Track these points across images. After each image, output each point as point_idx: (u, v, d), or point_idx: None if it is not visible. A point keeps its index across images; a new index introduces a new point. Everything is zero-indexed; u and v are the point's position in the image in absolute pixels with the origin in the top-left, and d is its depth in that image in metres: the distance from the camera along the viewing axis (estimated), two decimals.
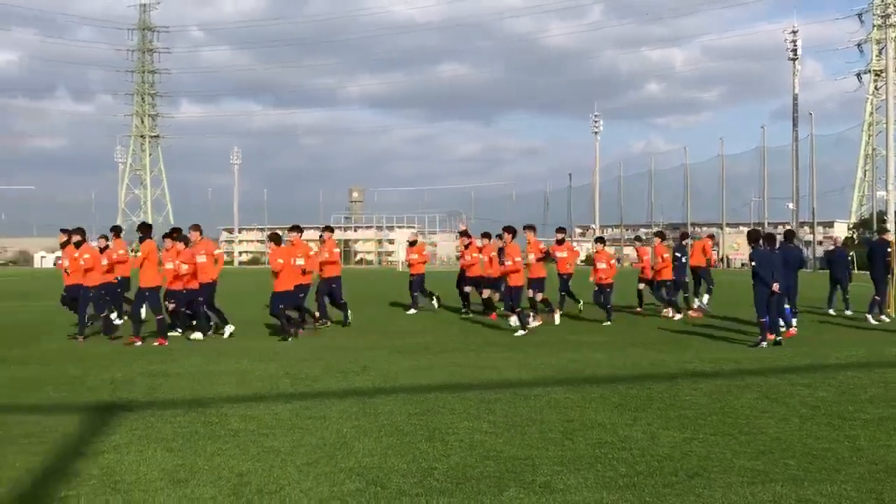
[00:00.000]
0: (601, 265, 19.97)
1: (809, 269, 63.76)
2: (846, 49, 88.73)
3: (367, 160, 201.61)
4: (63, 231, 18.65)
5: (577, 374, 12.01)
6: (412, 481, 6.56)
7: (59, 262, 18.86)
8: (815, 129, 71.96)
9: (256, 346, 15.59)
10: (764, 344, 14.68)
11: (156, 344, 15.59)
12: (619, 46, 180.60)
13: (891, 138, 57.46)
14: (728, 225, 79.36)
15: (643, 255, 22.46)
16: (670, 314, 20.52)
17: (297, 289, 17.15)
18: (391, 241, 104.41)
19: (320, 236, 20.51)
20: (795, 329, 17.27)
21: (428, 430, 8.27)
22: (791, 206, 72.37)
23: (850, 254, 25.66)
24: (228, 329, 16.89)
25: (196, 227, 17.53)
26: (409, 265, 22.96)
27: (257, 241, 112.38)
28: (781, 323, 15.79)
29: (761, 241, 15.36)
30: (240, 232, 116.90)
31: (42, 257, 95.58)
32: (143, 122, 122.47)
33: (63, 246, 18.54)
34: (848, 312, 21.10)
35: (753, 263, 15.09)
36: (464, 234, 22.86)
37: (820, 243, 75.92)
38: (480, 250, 21.41)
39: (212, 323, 17.23)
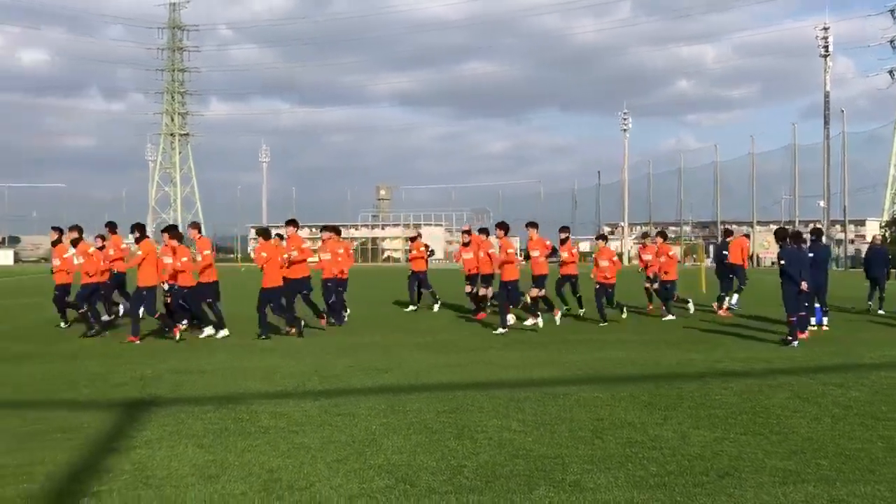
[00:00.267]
0: (604, 263, 19.17)
1: (841, 267, 63.23)
2: (878, 46, 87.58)
3: (394, 158, 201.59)
4: (54, 229, 19.11)
5: (606, 373, 11.97)
6: (441, 479, 6.56)
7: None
8: (847, 126, 71.61)
9: (284, 343, 15.66)
10: (795, 343, 14.57)
11: (126, 342, 15.50)
12: (648, 43, 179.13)
13: None
14: (758, 223, 78.88)
15: (647, 254, 21.55)
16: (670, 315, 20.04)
17: (294, 283, 17.18)
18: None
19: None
20: (827, 327, 17.19)
21: (457, 428, 8.26)
22: (822, 204, 71.76)
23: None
24: (208, 331, 16.43)
25: (195, 226, 17.52)
26: (410, 261, 22.83)
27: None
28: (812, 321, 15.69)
29: (789, 240, 15.26)
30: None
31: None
32: (172, 120, 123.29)
33: (54, 244, 18.82)
34: (881, 312, 20.90)
35: (782, 262, 14.98)
36: (466, 233, 22.32)
37: (851, 241, 75.29)
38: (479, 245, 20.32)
39: (193, 322, 17.00)
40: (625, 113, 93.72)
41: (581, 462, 7.02)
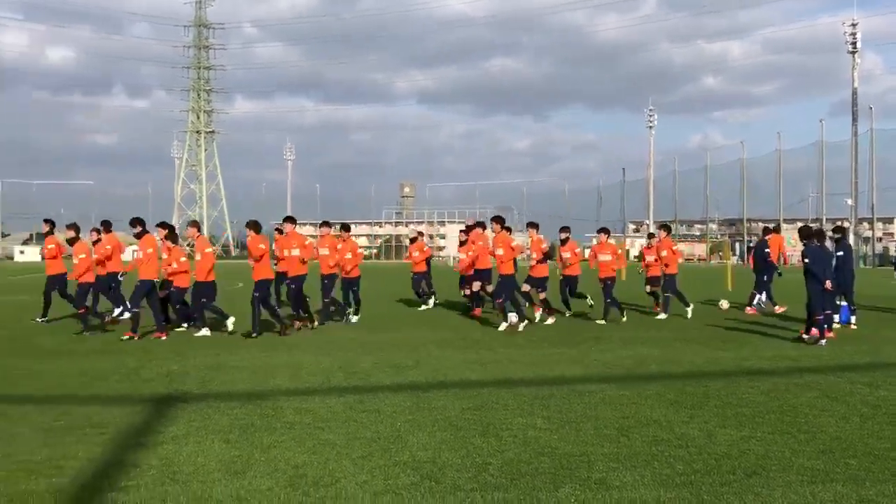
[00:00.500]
0: (605, 257, 18.75)
1: (869, 265, 62.62)
2: None
3: (418, 155, 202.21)
4: (45, 221, 19.58)
5: (632, 371, 11.92)
6: (466, 476, 6.56)
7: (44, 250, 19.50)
8: (875, 123, 70.83)
9: (308, 340, 15.72)
10: (823, 342, 14.46)
11: (125, 337, 15.51)
12: (674, 39, 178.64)
13: None
14: (785, 221, 78.19)
15: (650, 255, 20.72)
16: (659, 311, 19.85)
17: (292, 279, 17.22)
18: (442, 237, 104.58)
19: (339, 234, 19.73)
20: (855, 326, 17.07)
21: (482, 426, 8.26)
22: (850, 201, 71.14)
23: None
24: (204, 331, 16.27)
25: (194, 224, 17.44)
26: (412, 262, 22.69)
27: (310, 235, 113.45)
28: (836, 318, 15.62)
29: (814, 238, 15.15)
30: None
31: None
32: (198, 117, 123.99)
33: (45, 236, 19.26)
34: None
35: (806, 260, 14.88)
36: (464, 231, 21.78)
37: (879, 240, 74.57)
38: (473, 243, 19.84)
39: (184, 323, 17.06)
40: (650, 110, 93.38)
41: (606, 460, 7.00)
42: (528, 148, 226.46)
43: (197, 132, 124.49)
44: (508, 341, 15.34)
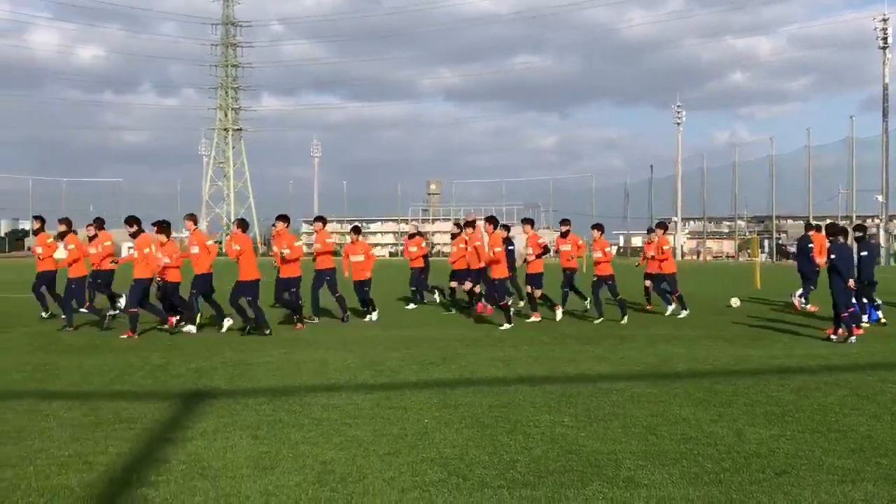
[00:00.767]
0: (597, 254, 18.43)
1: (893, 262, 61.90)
2: None
3: (444, 152, 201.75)
4: (35, 217, 19.81)
5: (659, 369, 11.86)
6: (493, 473, 6.56)
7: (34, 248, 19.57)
8: None
9: (334, 336, 15.76)
10: (853, 339, 14.34)
11: (123, 336, 15.42)
12: (701, 35, 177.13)
13: None
14: (814, 218, 77.42)
15: (650, 251, 20.36)
16: (673, 310, 19.40)
17: (289, 281, 17.10)
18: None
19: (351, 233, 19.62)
20: (885, 321, 17.03)
21: (509, 423, 8.25)
22: (880, 198, 70.27)
23: None
24: (227, 323, 16.31)
25: (191, 217, 17.37)
26: (409, 258, 22.57)
27: (337, 232, 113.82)
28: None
29: (839, 236, 15.08)
30: None
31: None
32: (226, 115, 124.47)
33: (36, 233, 19.36)
34: None
35: (833, 256, 14.77)
36: (469, 224, 21.72)
37: None
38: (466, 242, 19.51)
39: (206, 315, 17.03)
40: (678, 106, 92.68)
41: (635, 458, 6.97)
42: (554, 145, 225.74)
43: (225, 130, 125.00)
44: (533, 339, 15.30)
